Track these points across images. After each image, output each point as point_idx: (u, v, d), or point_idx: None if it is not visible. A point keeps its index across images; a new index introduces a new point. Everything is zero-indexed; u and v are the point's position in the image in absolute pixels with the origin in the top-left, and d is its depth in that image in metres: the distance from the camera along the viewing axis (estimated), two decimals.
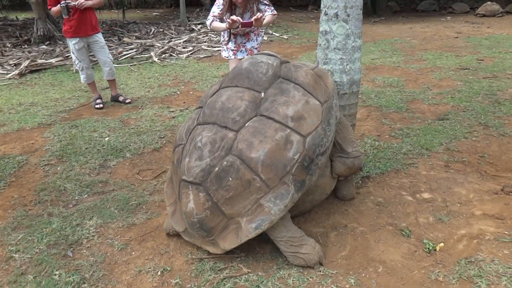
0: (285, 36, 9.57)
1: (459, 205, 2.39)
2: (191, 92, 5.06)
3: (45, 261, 2.03)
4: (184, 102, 4.68)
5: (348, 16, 2.39)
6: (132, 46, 8.38)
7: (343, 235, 2.18)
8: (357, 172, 2.43)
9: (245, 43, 3.60)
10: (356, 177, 2.71)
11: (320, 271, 1.91)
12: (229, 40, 3.54)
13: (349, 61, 2.49)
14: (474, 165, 2.85)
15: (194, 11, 14.00)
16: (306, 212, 2.36)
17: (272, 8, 3.42)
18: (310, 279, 1.87)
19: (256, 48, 3.66)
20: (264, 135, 1.87)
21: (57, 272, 1.95)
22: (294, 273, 1.90)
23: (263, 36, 3.68)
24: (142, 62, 7.25)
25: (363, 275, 1.89)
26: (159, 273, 1.93)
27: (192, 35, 9.75)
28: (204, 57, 7.59)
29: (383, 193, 2.55)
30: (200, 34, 9.91)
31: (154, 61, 7.25)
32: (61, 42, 8.70)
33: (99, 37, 4.42)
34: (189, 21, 12.27)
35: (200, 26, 11.12)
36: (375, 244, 2.09)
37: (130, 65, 6.87)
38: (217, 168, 1.85)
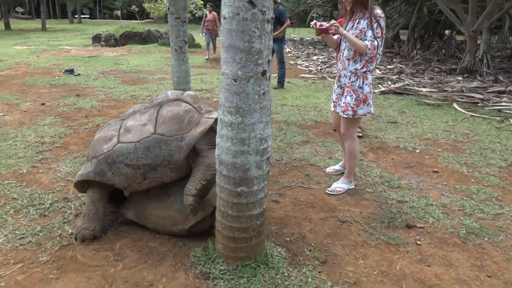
0: None
1: None
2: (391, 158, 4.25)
3: None
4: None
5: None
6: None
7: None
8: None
9: (341, 96, 3.22)
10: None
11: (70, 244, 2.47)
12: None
13: None
14: None
15: None
16: (161, 233, 2.57)
17: (373, 42, 2.91)
18: (63, 238, 2.51)
19: (341, 106, 3.19)
20: (108, 128, 2.59)
21: None
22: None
23: (360, 105, 3.13)
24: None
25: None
26: None
27: None
28: None
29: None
30: None
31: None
32: (480, 79, 8.38)
33: None
34: None
35: None
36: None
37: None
38: None
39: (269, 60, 1.90)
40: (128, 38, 16.24)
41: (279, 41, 7.45)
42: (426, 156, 4.26)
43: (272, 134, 4.71)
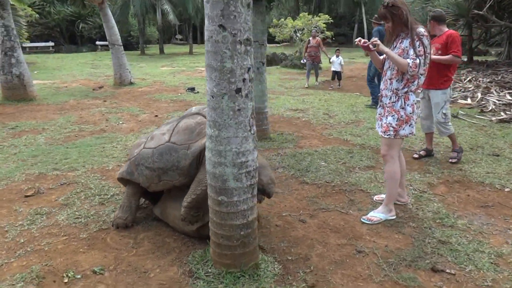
0: None
1: None
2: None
3: None
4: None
5: None
6: None
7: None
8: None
9: (382, 116, 3.06)
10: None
11: (107, 228, 2.95)
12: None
13: None
14: None
15: None
16: (176, 231, 2.86)
17: (415, 60, 2.79)
18: (105, 223, 3.01)
19: (382, 127, 3.03)
20: (144, 136, 3.13)
21: None
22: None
23: (402, 126, 2.97)
24: None
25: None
26: None
27: None
28: None
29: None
30: None
31: None
32: None
33: (435, 94, 4.33)
34: None
35: None
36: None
37: None
38: None
39: (244, 79, 2.02)
40: None
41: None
42: None
43: (337, 157, 4.64)
